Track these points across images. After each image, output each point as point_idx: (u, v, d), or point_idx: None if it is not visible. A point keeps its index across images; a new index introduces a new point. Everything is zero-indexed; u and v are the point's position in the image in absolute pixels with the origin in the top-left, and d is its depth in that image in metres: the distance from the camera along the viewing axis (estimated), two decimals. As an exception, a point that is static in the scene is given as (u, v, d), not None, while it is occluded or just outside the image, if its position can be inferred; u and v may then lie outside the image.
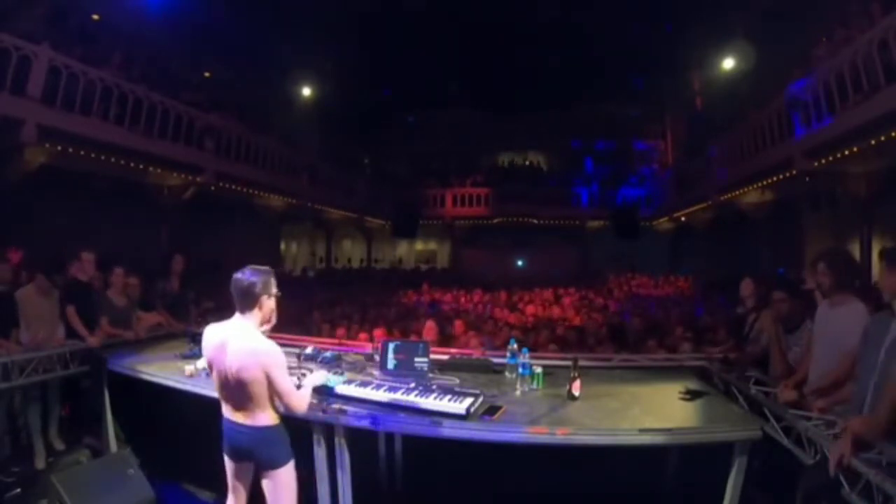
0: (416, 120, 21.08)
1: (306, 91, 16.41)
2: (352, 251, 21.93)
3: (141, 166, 9.39)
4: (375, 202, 18.74)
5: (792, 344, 3.24)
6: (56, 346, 4.05)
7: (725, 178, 11.85)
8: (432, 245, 22.28)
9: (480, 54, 15.58)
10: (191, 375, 3.27)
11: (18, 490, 3.65)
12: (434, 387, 2.93)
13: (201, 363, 3.09)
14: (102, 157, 8.42)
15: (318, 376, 2.86)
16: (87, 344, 4.16)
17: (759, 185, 10.59)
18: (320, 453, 2.80)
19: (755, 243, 12.50)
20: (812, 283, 3.23)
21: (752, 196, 11.50)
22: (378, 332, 5.26)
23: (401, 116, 20.65)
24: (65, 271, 4.76)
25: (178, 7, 10.81)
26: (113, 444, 3.90)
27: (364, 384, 2.93)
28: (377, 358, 3.48)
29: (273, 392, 2.41)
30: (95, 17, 10.21)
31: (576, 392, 2.92)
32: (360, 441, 2.91)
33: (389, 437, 3.78)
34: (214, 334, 2.46)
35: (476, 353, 3.97)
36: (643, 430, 2.52)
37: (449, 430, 2.57)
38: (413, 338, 5.17)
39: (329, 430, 2.77)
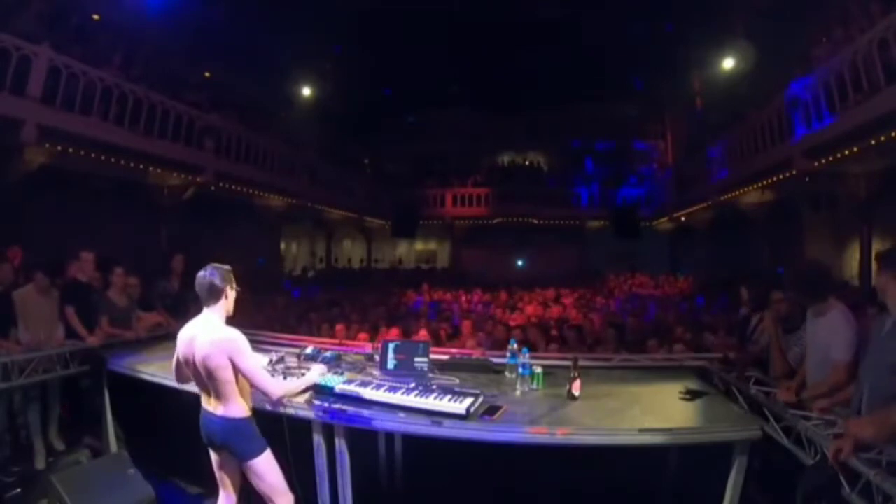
0: (416, 120, 21.05)
1: (306, 91, 16.39)
2: (352, 251, 21.94)
3: (141, 166, 9.38)
4: (375, 202, 18.74)
5: (792, 344, 3.24)
6: (56, 346, 4.05)
7: (725, 178, 11.86)
8: (432, 245, 22.29)
9: (480, 54, 15.55)
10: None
11: (18, 490, 3.66)
12: (434, 387, 2.94)
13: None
14: (102, 157, 8.40)
15: (315, 373, 2.89)
16: (87, 343, 4.16)
17: (759, 185, 10.59)
18: (320, 453, 2.80)
19: (755, 243, 12.48)
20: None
21: (751, 196, 11.49)
22: (393, 333, 5.30)
23: (401, 116, 20.60)
24: (64, 272, 4.76)
25: (178, 7, 10.78)
26: (113, 444, 3.90)
27: (364, 384, 2.93)
28: (377, 358, 3.48)
29: (242, 378, 2.55)
30: (95, 17, 10.18)
31: (576, 392, 2.92)
32: (360, 441, 2.92)
33: (389, 437, 3.78)
34: (185, 332, 2.66)
35: (476, 353, 3.97)
36: (643, 430, 2.53)
37: (449, 430, 2.57)
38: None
39: (329, 430, 2.78)
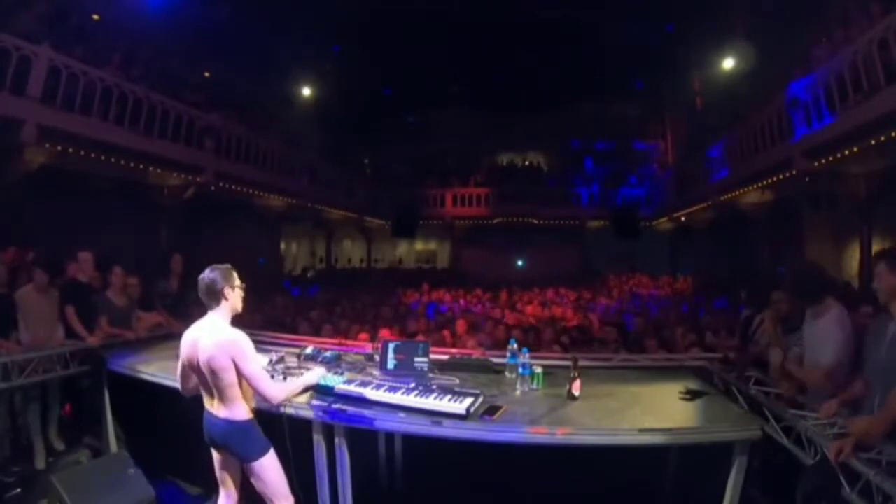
0: (416, 120, 21.04)
1: (306, 91, 16.39)
2: (352, 251, 21.94)
3: (141, 166, 9.38)
4: (375, 202, 18.72)
5: (792, 344, 3.24)
6: (56, 346, 4.04)
7: (725, 178, 11.85)
8: (432, 245, 22.28)
9: (480, 54, 15.55)
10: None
11: (18, 490, 3.66)
12: (434, 387, 2.94)
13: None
14: (102, 157, 8.39)
15: (315, 374, 2.89)
16: (87, 343, 4.16)
17: (759, 185, 10.57)
18: (320, 453, 2.80)
19: (755, 243, 12.47)
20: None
21: (751, 196, 11.48)
22: (384, 332, 5.28)
23: (401, 116, 20.61)
24: (64, 271, 4.76)
25: (178, 7, 10.79)
26: (113, 444, 3.90)
27: (364, 384, 2.93)
28: (377, 358, 3.48)
29: (244, 381, 2.54)
30: (95, 17, 10.18)
31: (576, 392, 2.92)
32: (360, 441, 2.92)
33: (389, 437, 3.78)
34: (188, 334, 2.65)
35: (476, 353, 3.97)
36: (643, 430, 2.53)
37: (449, 430, 2.57)
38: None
39: (329, 430, 2.78)
